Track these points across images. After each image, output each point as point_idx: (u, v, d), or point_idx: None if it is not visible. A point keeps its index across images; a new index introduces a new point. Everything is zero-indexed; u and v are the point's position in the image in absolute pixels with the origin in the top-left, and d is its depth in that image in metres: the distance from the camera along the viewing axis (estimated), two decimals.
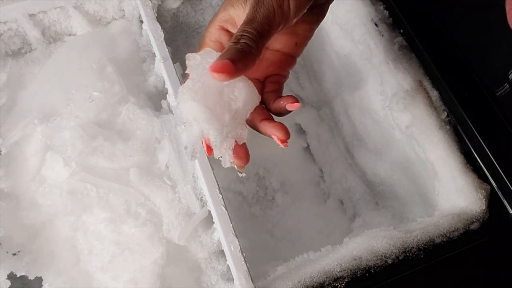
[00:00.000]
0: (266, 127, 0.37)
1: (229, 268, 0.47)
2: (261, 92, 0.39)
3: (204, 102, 0.32)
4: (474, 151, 0.53)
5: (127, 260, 0.47)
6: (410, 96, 0.56)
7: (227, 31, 0.39)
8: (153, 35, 0.56)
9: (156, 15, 0.58)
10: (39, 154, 0.52)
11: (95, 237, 0.49)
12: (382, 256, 0.47)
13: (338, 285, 0.46)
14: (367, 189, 0.79)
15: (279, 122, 0.38)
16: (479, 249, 0.49)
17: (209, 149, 0.35)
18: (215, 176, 0.49)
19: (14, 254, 0.49)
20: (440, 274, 0.48)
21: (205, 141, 0.35)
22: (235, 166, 0.37)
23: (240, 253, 0.45)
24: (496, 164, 0.52)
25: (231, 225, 0.47)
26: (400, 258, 0.48)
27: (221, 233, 0.46)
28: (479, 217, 0.50)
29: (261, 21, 0.33)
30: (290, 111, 0.38)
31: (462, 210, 0.51)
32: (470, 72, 0.57)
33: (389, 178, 0.70)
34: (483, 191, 0.51)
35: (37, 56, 0.59)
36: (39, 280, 0.49)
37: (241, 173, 0.37)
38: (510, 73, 0.51)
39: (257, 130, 0.38)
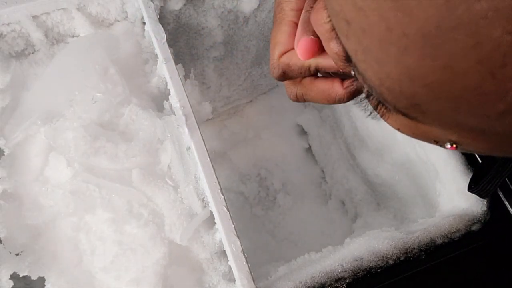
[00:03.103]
0: None
1: (230, 268, 0.47)
2: None
3: None
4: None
5: (129, 261, 0.47)
6: None
7: None
8: (155, 37, 0.56)
9: (158, 16, 0.59)
10: (42, 154, 0.52)
11: (97, 238, 0.49)
12: (383, 256, 0.48)
13: (339, 286, 0.46)
14: (369, 190, 0.79)
15: None
16: (481, 250, 0.49)
17: None
18: (217, 177, 0.49)
19: (17, 254, 0.49)
20: (441, 275, 0.48)
21: None
22: None
23: (242, 254, 0.46)
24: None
25: (233, 225, 0.47)
26: (402, 259, 0.48)
27: (223, 233, 0.46)
28: (480, 218, 0.50)
29: None
30: None
31: (464, 211, 0.51)
32: None
33: (391, 179, 0.70)
34: None
35: (40, 58, 0.60)
36: (41, 280, 0.49)
37: None
38: None
39: None
